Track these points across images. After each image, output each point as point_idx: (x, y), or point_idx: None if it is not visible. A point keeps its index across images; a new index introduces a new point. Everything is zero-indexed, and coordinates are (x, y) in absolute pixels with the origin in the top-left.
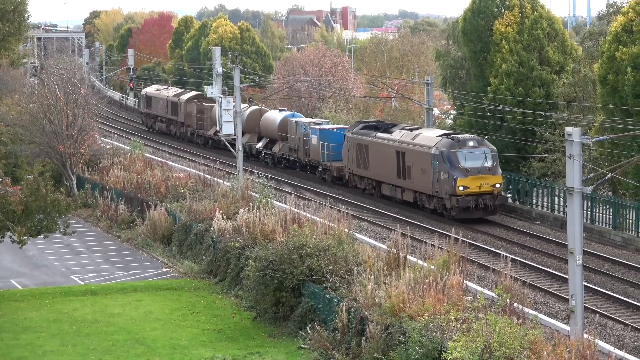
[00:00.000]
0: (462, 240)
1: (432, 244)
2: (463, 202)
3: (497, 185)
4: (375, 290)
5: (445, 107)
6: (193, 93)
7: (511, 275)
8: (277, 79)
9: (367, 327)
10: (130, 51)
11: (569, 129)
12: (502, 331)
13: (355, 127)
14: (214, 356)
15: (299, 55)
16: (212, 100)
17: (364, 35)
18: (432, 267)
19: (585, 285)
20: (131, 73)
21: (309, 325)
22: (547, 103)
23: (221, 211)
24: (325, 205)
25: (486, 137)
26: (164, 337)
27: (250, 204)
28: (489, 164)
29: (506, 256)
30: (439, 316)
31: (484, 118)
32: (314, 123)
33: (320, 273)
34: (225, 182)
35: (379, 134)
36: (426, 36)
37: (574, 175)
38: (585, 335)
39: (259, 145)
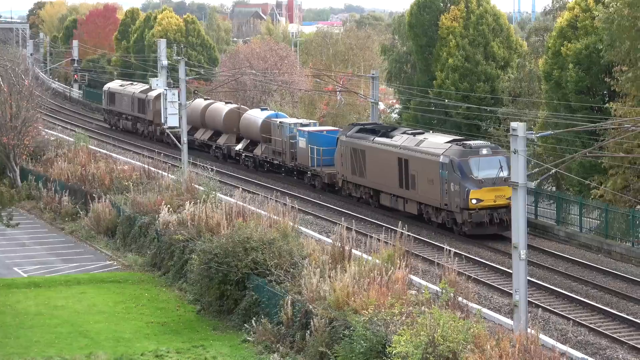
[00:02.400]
0: (407, 235)
1: (377, 238)
2: (476, 216)
3: None
4: (320, 283)
5: (390, 101)
6: (161, 89)
7: (455, 270)
8: (222, 72)
9: (311, 320)
10: (75, 43)
11: (513, 124)
12: (446, 325)
13: (349, 130)
14: (158, 349)
15: (244, 48)
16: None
17: (309, 29)
18: (377, 261)
19: (529, 280)
20: (76, 65)
21: (254, 318)
22: (492, 98)
23: (167, 205)
24: (271, 198)
25: (430, 131)
26: (108, 330)
27: (196, 197)
28: (504, 174)
29: (450, 250)
30: (383, 310)
31: (429, 112)
32: (301, 124)
33: (265, 266)
34: (169, 175)
35: (378, 139)
36: (372, 30)
37: (518, 170)
38: (529, 330)
39: (239, 147)
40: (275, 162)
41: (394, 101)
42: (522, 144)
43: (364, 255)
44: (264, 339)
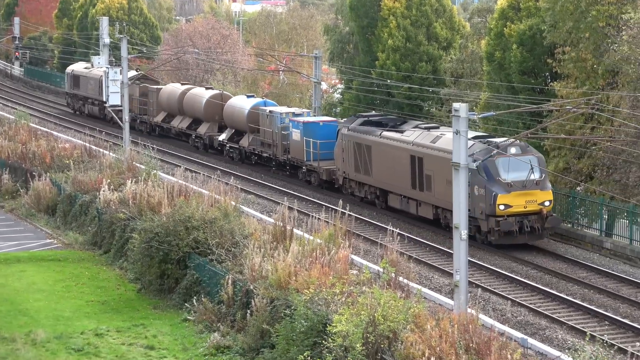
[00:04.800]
0: (349, 214)
1: (318, 218)
2: (505, 224)
3: (547, 204)
4: (261, 263)
5: (333, 81)
6: (134, 73)
7: (397, 250)
8: (165, 50)
9: (252, 299)
10: (16, 20)
11: (455, 105)
12: (386, 305)
13: (352, 122)
14: (98, 328)
15: (187, 26)
16: (156, 81)
17: (253, 8)
18: (319, 240)
19: (469, 260)
20: (17, 42)
21: (194, 297)
22: (434, 79)
23: (108, 180)
24: (212, 177)
25: (373, 111)
26: (48, 309)
27: (137, 176)
28: (536, 176)
29: (392, 230)
30: (324, 289)
31: (372, 93)
32: (294, 114)
33: (206, 245)
34: (111, 154)
35: (386, 133)
36: (315, 10)
37: (460, 151)
38: (469, 310)
39: (223, 137)
40: (265, 154)
41: (337, 81)
42: (464, 125)
43: (306, 235)
44: (204, 318)
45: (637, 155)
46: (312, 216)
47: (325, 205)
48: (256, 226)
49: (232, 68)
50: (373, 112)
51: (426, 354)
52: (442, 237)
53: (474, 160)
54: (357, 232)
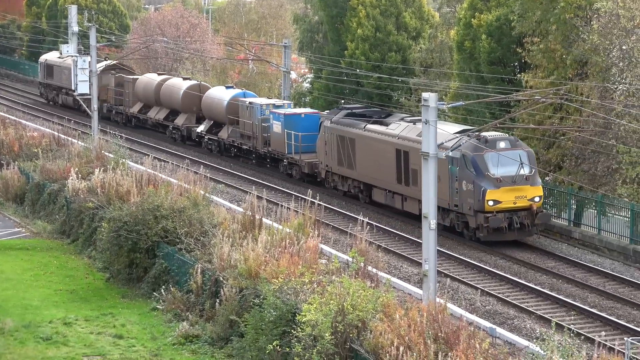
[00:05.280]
0: (318, 204)
1: (287, 207)
2: (494, 220)
3: (537, 199)
4: (230, 252)
5: (302, 70)
6: (110, 62)
7: (366, 239)
8: (133, 39)
9: (221, 289)
10: None
11: (425, 95)
12: (355, 294)
13: (335, 115)
14: (66, 317)
15: (156, 15)
16: (131, 72)
17: None
18: (288, 230)
19: (438, 250)
20: None
21: (163, 286)
22: (403, 68)
23: (77, 169)
24: (181, 166)
25: (342, 101)
26: (16, 297)
27: (106, 165)
28: (526, 171)
29: (362, 220)
30: (293, 279)
31: (341, 82)
32: (274, 105)
33: (175, 235)
34: (79, 142)
35: (370, 126)
36: None
37: (429, 141)
38: (438, 299)
39: (201, 128)
40: (245, 147)
41: (306, 70)
42: (433, 115)
43: (275, 224)
44: (173, 307)
45: (606, 146)
46: (281, 205)
47: (294, 195)
48: (225, 215)
49: (201, 57)
50: (357, 105)
51: (395, 343)
52: (411, 227)
53: (462, 155)
54: (326, 221)
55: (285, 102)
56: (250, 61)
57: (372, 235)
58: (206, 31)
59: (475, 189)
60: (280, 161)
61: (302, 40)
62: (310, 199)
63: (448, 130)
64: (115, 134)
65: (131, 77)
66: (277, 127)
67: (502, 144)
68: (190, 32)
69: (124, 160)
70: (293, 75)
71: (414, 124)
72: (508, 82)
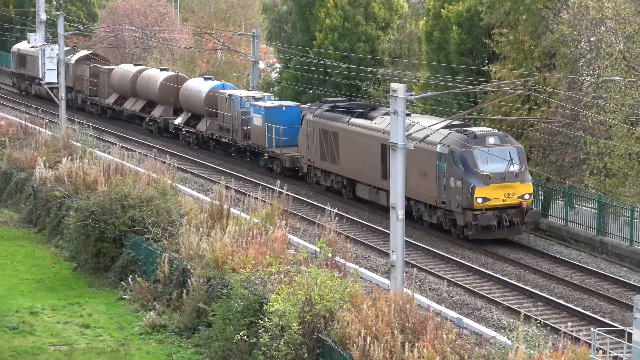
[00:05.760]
0: (286, 194)
1: (255, 197)
2: (483, 218)
3: (527, 197)
4: (198, 242)
5: (271, 60)
6: (84, 52)
7: (334, 230)
8: (102, 28)
9: (189, 278)
10: None
11: (393, 85)
12: (323, 284)
13: (318, 108)
14: (33, 306)
15: (124, 4)
16: (107, 62)
17: None
18: (256, 219)
19: (406, 240)
20: None
21: (130, 276)
22: (372, 59)
23: (44, 158)
24: (149, 156)
25: (311, 91)
26: None
27: (73, 154)
28: (515, 167)
29: (330, 210)
30: (261, 269)
31: (310, 72)
32: (254, 98)
33: (143, 224)
34: (47, 131)
35: (354, 120)
36: None
37: (397, 131)
38: (405, 289)
39: (178, 120)
40: (224, 140)
41: (274, 60)
42: (402, 105)
43: (243, 214)
44: (140, 297)
45: (574, 137)
46: (249, 195)
47: (262, 185)
48: (193, 205)
49: (170, 46)
50: (340, 98)
51: (362, 334)
52: (379, 217)
53: (451, 151)
54: (294, 211)
55: (265, 94)
56: (218, 51)
57: (340, 225)
58: (174, 20)
59: (463, 186)
60: (260, 155)
61: (271, 30)
62: (278, 189)
63: (437, 125)
64: (82, 122)
65: (106, 67)
66: (257, 120)
67: (491, 140)
68: (158, 21)
69: (91, 149)
70: (261, 65)
71: None
72: (477, 73)
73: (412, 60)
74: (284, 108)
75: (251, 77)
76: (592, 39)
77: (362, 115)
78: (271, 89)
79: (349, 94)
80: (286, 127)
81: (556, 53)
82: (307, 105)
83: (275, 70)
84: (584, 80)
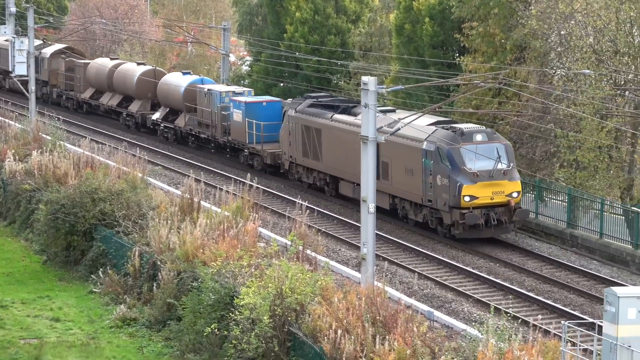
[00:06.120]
0: (257, 187)
1: (226, 190)
2: (470, 217)
3: (515, 195)
4: (168, 235)
5: (241, 53)
6: (59, 46)
7: (305, 223)
8: (72, 21)
9: (159, 272)
10: None
11: (364, 78)
12: (294, 277)
13: (300, 104)
14: (3, 299)
15: None
16: (83, 56)
17: None
18: (226, 213)
19: (377, 233)
20: None
21: (101, 269)
22: (342, 52)
23: (13, 151)
24: (119, 149)
25: (282, 84)
26: None
27: (43, 147)
28: (503, 165)
29: (301, 203)
30: (232, 262)
31: (280, 65)
32: (234, 93)
33: (113, 217)
34: (17, 124)
35: (338, 116)
36: None
37: (368, 124)
38: (376, 282)
39: (156, 116)
40: (203, 135)
41: (245, 53)
42: (373, 98)
43: (213, 207)
44: (110, 290)
45: (544, 130)
46: (220, 188)
47: (233, 178)
48: (163, 198)
49: (140, 39)
50: (322, 93)
51: (333, 327)
52: (350, 210)
53: (437, 148)
54: (265, 204)
55: (245, 89)
56: (189, 44)
57: (311, 219)
58: (145, 13)
59: (450, 184)
60: (240, 151)
61: (242, 23)
62: (248, 182)
63: (420, 122)
64: (52, 115)
65: (82, 61)
66: (237, 115)
67: (478, 137)
68: (128, 14)
69: (61, 142)
70: (232, 58)
71: (384, 114)
72: (448, 66)
73: (383, 53)
74: (264, 103)
75: (222, 70)
76: (562, 32)
77: (345, 111)
78: (242, 81)
79: (319, 87)
80: (267, 123)
81: (527, 46)
82: (289, 100)
83: (245, 63)
84: (554, 73)
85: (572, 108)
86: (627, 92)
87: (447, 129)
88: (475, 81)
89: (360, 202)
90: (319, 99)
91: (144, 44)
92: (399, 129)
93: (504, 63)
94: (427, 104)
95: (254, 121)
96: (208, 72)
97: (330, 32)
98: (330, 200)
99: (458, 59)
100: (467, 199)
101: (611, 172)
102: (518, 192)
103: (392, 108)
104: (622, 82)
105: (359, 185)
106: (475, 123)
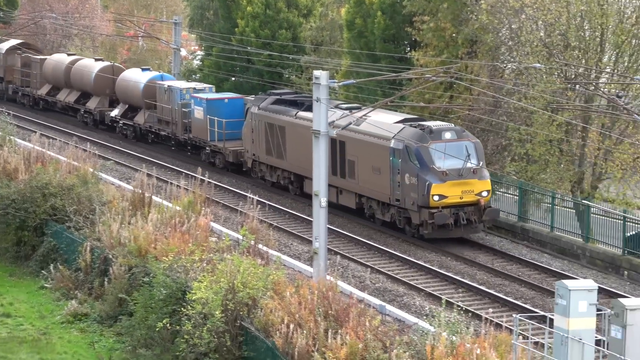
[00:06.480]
0: (208, 182)
1: (177, 185)
2: (439, 217)
3: (485, 194)
4: (119, 230)
5: (193, 47)
6: (15, 41)
7: (257, 217)
8: (22, 15)
9: (110, 267)
10: None
11: (316, 73)
12: (246, 272)
13: (263, 101)
14: None
15: None
16: (39, 52)
17: None
18: (178, 207)
19: (328, 228)
20: None
21: (52, 264)
22: (294, 46)
23: None
24: (70, 144)
25: (234, 78)
26: None
27: None
28: (473, 163)
29: (252, 198)
30: (183, 257)
31: (232, 60)
32: (195, 89)
33: (64, 212)
34: None
35: (302, 113)
36: None
37: (320, 119)
38: (328, 277)
39: (115, 112)
40: (163, 133)
41: (196, 48)
42: (325, 93)
43: (165, 202)
44: (62, 286)
45: (495, 124)
46: (171, 183)
47: (184, 172)
48: (114, 193)
49: (91, 34)
50: (286, 90)
51: (285, 321)
52: (302, 205)
53: (405, 146)
54: (216, 199)
55: (206, 85)
56: (140, 38)
57: (263, 213)
58: (95, 7)
59: (419, 183)
60: (202, 149)
61: (193, 17)
62: (200, 176)
63: (387, 119)
64: (2, 110)
65: (39, 57)
66: (198, 112)
67: (447, 135)
68: (79, 8)
69: (11, 137)
70: (183, 52)
71: (350, 111)
72: (399, 60)
73: (334, 47)
74: (226, 100)
75: (173, 65)
76: (512, 26)
77: (309, 109)
78: (193, 76)
79: (271, 81)
80: (229, 120)
81: (478, 40)
82: (251, 97)
83: (197, 58)
84: (505, 67)
85: (523, 102)
86: (577, 86)
87: (415, 127)
88: (427, 75)
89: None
90: (282, 96)
91: (94, 39)
92: (350, 123)
93: (455, 57)
94: (379, 98)
95: (216, 118)
96: (159, 66)
97: (281, 26)
98: (282, 195)
99: (409, 53)
100: (436, 198)
101: (562, 165)
102: (488, 191)
103: (358, 105)
104: (573, 76)
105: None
106: (428, 117)
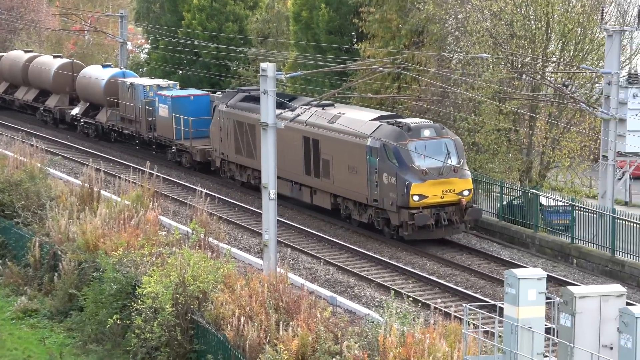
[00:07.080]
0: (157, 175)
1: (126, 179)
2: (420, 218)
3: (466, 193)
4: (68, 225)
5: (139, 41)
6: None
7: (206, 210)
8: None
9: (60, 262)
10: None
11: (263, 65)
12: (196, 265)
13: (231, 98)
14: None
15: None
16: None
17: None
18: (127, 202)
19: (278, 220)
20: None
21: (0, 261)
22: (241, 38)
23: None
24: (17, 139)
25: (180, 71)
26: None
27: None
28: (453, 162)
29: (201, 191)
30: (133, 251)
31: (179, 53)
32: (159, 87)
33: (12, 208)
34: None
35: None
36: None
37: (268, 111)
38: (278, 269)
39: (76, 111)
40: (126, 131)
41: (143, 41)
42: (272, 85)
43: (114, 197)
44: (11, 282)
45: (443, 114)
46: (120, 177)
47: (132, 167)
48: (63, 188)
49: (36, 28)
50: (255, 87)
51: (236, 314)
52: (251, 197)
53: (383, 145)
54: (165, 193)
55: (170, 82)
56: (86, 32)
57: (212, 206)
58: (41, 1)
59: (398, 183)
60: (168, 148)
61: (139, 11)
62: (148, 170)
63: (363, 117)
64: None
65: None
66: (163, 110)
67: (426, 132)
68: (24, 3)
69: None
70: (130, 46)
71: (323, 108)
72: (346, 52)
73: (281, 39)
74: (192, 97)
75: (120, 58)
76: (459, 16)
77: (281, 106)
78: (140, 69)
79: (218, 74)
80: (195, 118)
81: (424, 31)
82: (218, 94)
83: (143, 51)
84: (452, 57)
85: (471, 92)
86: (524, 75)
87: (393, 124)
88: (374, 66)
89: (295, 200)
90: (251, 93)
91: (40, 33)
92: (298, 115)
93: (401, 48)
94: (327, 90)
95: (182, 116)
96: (106, 60)
97: (228, 19)
98: (231, 188)
99: (356, 44)
100: (416, 198)
101: (510, 154)
102: (469, 190)
103: (331, 102)
104: (519, 65)
105: (297, 184)
106: (376, 108)
